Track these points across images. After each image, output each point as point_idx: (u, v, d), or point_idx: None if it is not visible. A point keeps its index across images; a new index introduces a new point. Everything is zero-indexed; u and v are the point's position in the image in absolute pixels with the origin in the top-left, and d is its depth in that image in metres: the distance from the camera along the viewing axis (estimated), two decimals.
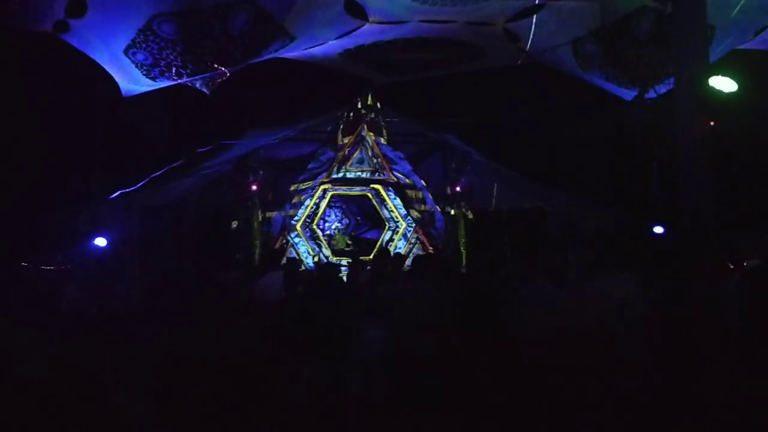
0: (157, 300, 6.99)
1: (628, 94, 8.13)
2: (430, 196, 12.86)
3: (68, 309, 6.38)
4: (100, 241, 8.55)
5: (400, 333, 5.64)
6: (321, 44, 8.15)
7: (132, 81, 7.33)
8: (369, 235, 13.20)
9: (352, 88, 10.97)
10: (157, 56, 6.84)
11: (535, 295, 5.24)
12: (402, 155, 12.76)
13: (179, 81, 7.42)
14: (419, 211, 12.82)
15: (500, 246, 12.04)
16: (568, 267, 6.26)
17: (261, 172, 12.23)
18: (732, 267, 5.91)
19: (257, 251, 12.08)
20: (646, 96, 7.82)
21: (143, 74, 7.17)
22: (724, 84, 5.32)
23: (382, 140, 12.69)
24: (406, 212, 12.77)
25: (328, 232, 12.99)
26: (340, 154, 12.56)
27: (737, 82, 5.70)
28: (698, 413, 4.01)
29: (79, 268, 7.54)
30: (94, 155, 8.55)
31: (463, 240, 12.65)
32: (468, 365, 5.49)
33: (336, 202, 13.04)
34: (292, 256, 11.95)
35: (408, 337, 5.56)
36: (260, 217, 12.32)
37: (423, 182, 12.85)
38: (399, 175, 12.80)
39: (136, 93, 7.58)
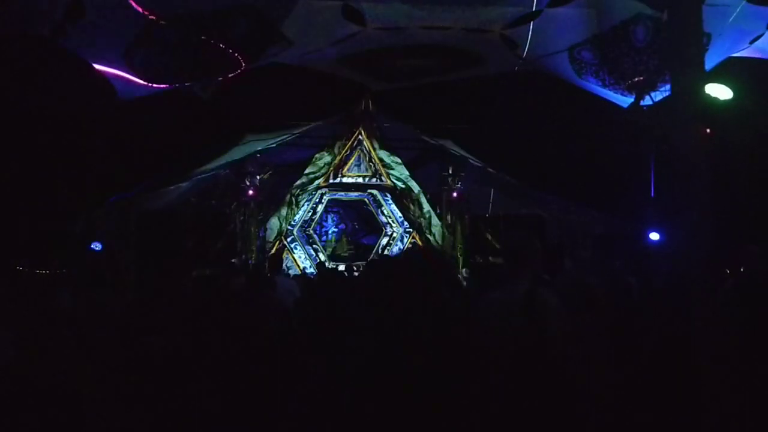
0: (153, 305, 6.97)
1: (625, 101, 8.15)
2: (427, 202, 12.87)
3: (61, 313, 6.34)
4: (97, 246, 8.54)
5: (379, 342, 5.56)
6: (319, 50, 8.16)
7: (129, 85, 7.33)
8: (365, 240, 13.20)
9: (350, 94, 10.98)
10: (155, 60, 6.84)
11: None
12: (399, 160, 12.77)
13: (177, 85, 7.42)
14: (416, 217, 12.82)
15: (498, 252, 12.06)
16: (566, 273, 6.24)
17: (258, 177, 12.21)
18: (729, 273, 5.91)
19: (254, 256, 12.06)
20: (642, 103, 7.84)
21: (141, 78, 7.17)
22: (720, 91, 5.36)
23: (378, 145, 12.71)
24: (402, 218, 12.78)
25: (324, 237, 12.99)
26: (338, 159, 12.58)
27: (733, 89, 5.75)
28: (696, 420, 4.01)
29: (75, 272, 7.53)
30: (91, 160, 8.52)
31: (459, 246, 12.64)
32: (452, 370, 5.44)
33: (333, 206, 13.04)
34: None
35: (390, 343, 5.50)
36: (257, 222, 12.29)
37: (420, 188, 12.86)
38: (396, 180, 12.81)
39: (134, 97, 7.58)
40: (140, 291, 8.84)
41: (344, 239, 13.14)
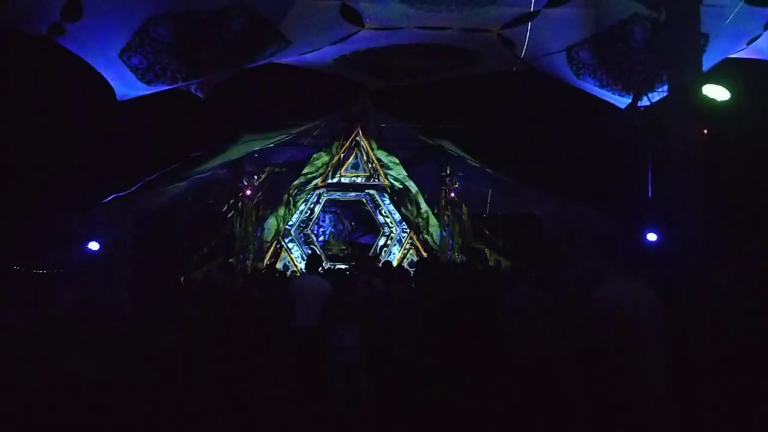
0: (148, 302, 6.98)
1: (622, 101, 8.16)
2: (425, 202, 12.86)
3: (60, 310, 6.34)
4: (94, 245, 8.51)
5: (383, 336, 5.63)
6: (317, 49, 8.16)
7: (127, 85, 7.31)
8: (363, 240, 13.20)
9: (348, 93, 10.97)
10: (153, 60, 6.82)
11: (521, 300, 5.23)
12: (397, 160, 12.77)
13: (174, 85, 7.40)
14: (413, 217, 12.81)
15: (495, 251, 12.06)
16: (563, 272, 6.25)
17: (255, 176, 12.20)
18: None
19: (251, 255, 12.05)
20: (640, 103, 7.85)
21: (138, 78, 7.15)
22: (717, 92, 5.38)
23: (376, 145, 12.70)
24: (400, 217, 12.78)
25: (322, 237, 13.00)
26: (335, 159, 12.57)
27: (730, 90, 5.76)
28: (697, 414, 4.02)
29: (73, 271, 7.51)
30: (88, 159, 8.50)
31: (457, 245, 12.64)
32: (451, 368, 5.48)
33: (330, 206, 13.04)
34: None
35: (390, 341, 5.55)
36: (254, 222, 12.28)
37: (417, 187, 12.85)
38: (393, 180, 12.80)
39: (131, 97, 7.56)
40: (138, 290, 8.81)
41: (341, 239, 13.15)
